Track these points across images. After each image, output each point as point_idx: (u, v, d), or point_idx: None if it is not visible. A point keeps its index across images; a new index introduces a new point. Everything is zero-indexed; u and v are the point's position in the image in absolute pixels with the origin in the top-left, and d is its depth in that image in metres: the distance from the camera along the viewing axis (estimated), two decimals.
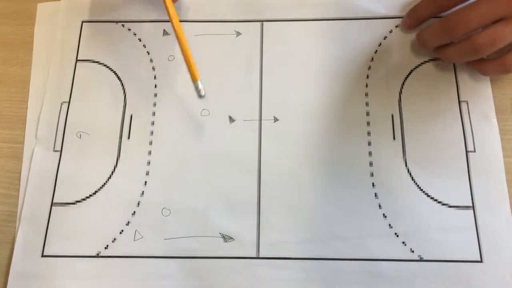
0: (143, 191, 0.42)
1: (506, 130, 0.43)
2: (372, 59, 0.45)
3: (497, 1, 0.37)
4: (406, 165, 0.42)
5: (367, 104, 0.44)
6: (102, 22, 0.48)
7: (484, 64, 0.41)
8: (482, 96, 0.43)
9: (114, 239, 0.41)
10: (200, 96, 0.42)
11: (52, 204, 0.42)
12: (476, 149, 0.42)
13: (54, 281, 0.40)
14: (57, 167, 0.43)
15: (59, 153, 0.43)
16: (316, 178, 0.42)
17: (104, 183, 0.42)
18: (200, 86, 0.42)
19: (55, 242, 0.41)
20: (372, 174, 0.42)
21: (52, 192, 0.42)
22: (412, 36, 0.46)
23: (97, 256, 0.40)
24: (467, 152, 0.42)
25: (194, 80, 0.42)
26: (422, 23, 0.45)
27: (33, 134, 0.44)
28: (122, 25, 0.48)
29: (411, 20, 0.45)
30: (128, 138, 0.44)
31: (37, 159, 0.43)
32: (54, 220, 0.41)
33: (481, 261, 0.39)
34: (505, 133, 0.42)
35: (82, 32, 0.47)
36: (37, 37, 0.48)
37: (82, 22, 0.48)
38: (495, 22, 0.37)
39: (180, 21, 0.46)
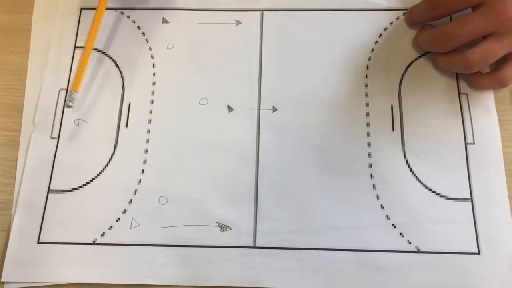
0: (140, 179, 0.42)
1: (504, 121, 0.43)
2: (373, 50, 0.45)
3: (488, 18, 0.37)
4: (405, 157, 0.42)
5: (366, 95, 0.44)
6: None
7: (480, 79, 0.42)
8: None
9: (111, 226, 0.41)
10: (68, 106, 0.42)
11: (48, 191, 0.41)
12: (475, 141, 0.42)
13: (50, 268, 0.39)
14: (54, 155, 0.43)
15: (56, 140, 0.43)
16: (314, 168, 0.42)
17: (101, 171, 0.42)
18: (74, 95, 0.42)
19: (51, 229, 0.40)
20: (370, 165, 0.41)
21: (49, 179, 0.42)
22: (411, 28, 0.45)
23: (94, 243, 0.40)
24: (466, 144, 0.42)
25: (72, 88, 0.42)
26: (418, 24, 0.45)
27: (30, 121, 0.44)
28: (121, 12, 0.47)
29: (408, 21, 0.45)
30: (126, 126, 0.43)
31: (34, 146, 0.43)
32: (51, 207, 0.41)
33: (478, 253, 0.39)
34: (504, 123, 0.42)
35: (80, 19, 0.47)
36: (35, 24, 0.47)
37: (81, 9, 0.47)
38: (485, 36, 0.38)
39: (181, 9, 0.47)
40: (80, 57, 0.43)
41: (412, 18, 0.45)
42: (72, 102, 0.42)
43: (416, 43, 0.44)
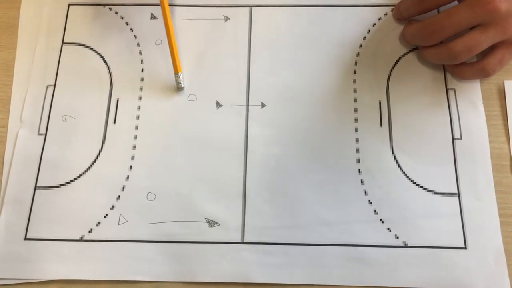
0: (128, 175, 0.42)
1: (491, 116, 0.43)
2: (361, 46, 0.45)
3: (473, 9, 0.38)
4: (392, 152, 0.42)
5: (354, 90, 0.44)
6: (89, 5, 0.47)
7: (463, 69, 0.42)
8: (469, 84, 0.43)
9: (98, 223, 0.40)
10: (179, 88, 0.43)
11: (35, 187, 0.41)
12: (462, 136, 0.42)
13: (37, 264, 0.39)
14: (42, 151, 0.42)
15: (43, 136, 0.43)
16: (302, 164, 0.42)
17: (89, 167, 0.42)
18: (181, 78, 0.43)
19: (39, 226, 0.40)
20: (358, 161, 0.42)
21: (36, 175, 0.42)
22: (400, 24, 0.46)
23: (81, 239, 0.40)
24: (453, 139, 0.42)
25: (175, 71, 0.43)
26: (406, 20, 0.45)
27: (17, 117, 0.44)
28: (109, 8, 0.47)
29: (395, 16, 0.46)
30: (114, 122, 0.43)
31: (21, 142, 0.43)
32: (38, 203, 0.41)
33: (465, 248, 0.39)
34: (491, 118, 0.43)
35: (68, 15, 0.47)
36: (23, 20, 0.47)
37: (69, 4, 0.47)
38: (471, 28, 0.39)
39: (170, 5, 0.46)
40: (168, 40, 0.44)
41: (399, 12, 0.45)
42: (182, 84, 0.43)
43: (403, 38, 0.44)
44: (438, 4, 0.41)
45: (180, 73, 0.43)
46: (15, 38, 0.46)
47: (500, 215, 0.40)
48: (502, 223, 0.40)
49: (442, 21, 0.39)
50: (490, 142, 0.42)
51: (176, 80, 0.43)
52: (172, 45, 0.43)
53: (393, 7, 0.46)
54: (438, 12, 0.43)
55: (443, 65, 0.44)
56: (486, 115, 0.43)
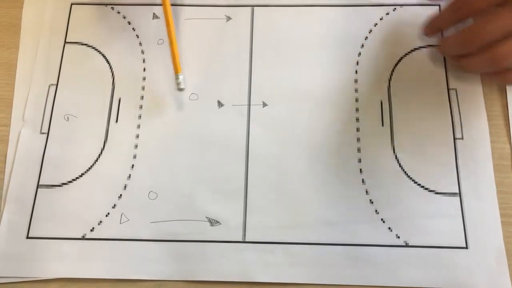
0: (130, 175, 0.42)
1: (493, 116, 0.43)
2: (363, 45, 0.45)
3: None
4: (394, 152, 0.42)
5: (356, 90, 0.44)
6: (91, 4, 0.47)
7: (470, 59, 0.40)
8: (471, 84, 0.43)
9: (100, 221, 0.40)
10: (179, 89, 0.43)
11: (38, 186, 0.41)
12: (464, 136, 0.42)
13: (39, 263, 0.39)
14: (44, 150, 0.43)
15: (46, 135, 0.43)
16: (303, 163, 0.42)
17: (91, 166, 0.42)
18: (181, 79, 0.43)
19: (41, 224, 0.40)
20: (359, 160, 0.42)
21: (38, 174, 0.42)
22: (402, 23, 0.46)
23: (83, 238, 0.40)
24: (455, 139, 0.42)
25: (176, 72, 0.43)
26: (441, 32, 0.44)
27: (19, 116, 0.44)
28: (112, 7, 0.47)
29: (432, 30, 0.44)
30: (116, 121, 0.43)
31: (23, 141, 0.43)
32: (40, 202, 0.41)
33: (466, 248, 0.39)
34: (492, 118, 0.43)
35: (71, 14, 0.47)
36: (25, 19, 0.47)
37: (71, 4, 0.47)
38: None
39: (172, 4, 0.46)
40: (169, 40, 0.43)
41: (437, 24, 0.43)
42: (182, 85, 0.43)
43: (440, 51, 0.43)
44: (478, 10, 0.38)
45: (180, 74, 0.43)
46: (18, 38, 0.46)
47: (502, 215, 0.40)
48: (503, 223, 0.40)
49: (484, 26, 0.37)
50: (492, 142, 0.42)
51: (176, 81, 0.43)
52: (173, 46, 0.43)
53: (395, 7, 0.46)
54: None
55: (445, 64, 0.44)
56: (488, 115, 0.42)
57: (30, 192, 0.41)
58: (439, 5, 0.46)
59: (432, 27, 0.43)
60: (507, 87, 0.43)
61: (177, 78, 0.43)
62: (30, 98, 0.44)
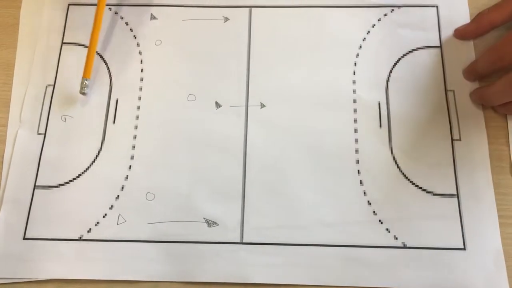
0: (127, 175, 0.42)
1: (491, 117, 0.43)
2: (360, 46, 0.45)
3: None
4: (392, 153, 0.42)
5: (354, 91, 0.44)
6: (88, 5, 0.47)
7: (491, 88, 0.40)
8: (468, 85, 0.43)
9: (97, 222, 0.40)
10: (82, 93, 0.43)
11: (35, 187, 0.41)
12: (461, 137, 0.42)
13: (36, 264, 0.39)
14: (41, 150, 0.42)
15: (43, 136, 0.43)
16: (301, 164, 0.42)
17: (88, 167, 0.42)
18: (86, 83, 0.43)
19: (37, 225, 0.40)
20: (357, 161, 0.42)
21: (35, 175, 0.42)
22: (399, 24, 0.46)
23: (80, 239, 0.40)
24: (452, 140, 0.42)
25: (84, 76, 0.43)
26: (483, 78, 0.43)
27: (17, 117, 0.44)
28: (109, 8, 0.47)
29: (472, 76, 0.43)
30: (114, 122, 0.43)
31: (20, 141, 0.43)
32: (37, 203, 0.41)
33: (464, 249, 0.39)
34: (490, 120, 0.43)
35: (68, 15, 0.47)
36: (23, 19, 0.47)
37: (69, 4, 0.47)
38: None
39: (169, 5, 0.47)
40: (89, 47, 0.44)
41: (476, 73, 0.43)
42: (85, 89, 0.43)
43: (481, 100, 0.42)
44: None
45: (87, 79, 0.43)
46: (16, 37, 0.46)
47: (500, 217, 0.40)
48: (501, 225, 0.40)
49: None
50: (490, 143, 0.42)
51: (81, 84, 0.43)
52: (92, 49, 0.43)
53: (392, 8, 0.46)
54: None
55: (443, 66, 0.44)
56: (486, 117, 0.42)
57: (27, 192, 0.41)
58: (436, 6, 0.46)
59: (472, 74, 0.43)
60: None
61: (82, 81, 0.43)
62: (27, 99, 0.44)
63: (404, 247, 0.39)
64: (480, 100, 0.42)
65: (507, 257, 0.39)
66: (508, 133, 0.42)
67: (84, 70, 0.43)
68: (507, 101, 0.39)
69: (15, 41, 0.46)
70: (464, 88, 0.43)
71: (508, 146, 0.42)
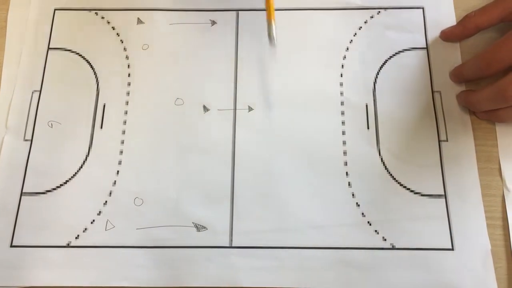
0: (115, 181, 0.41)
1: (479, 119, 0.43)
2: (348, 48, 0.45)
3: None
4: (379, 154, 0.42)
5: (341, 93, 0.44)
6: (75, 10, 0.47)
7: (477, 94, 0.40)
8: (455, 87, 0.44)
9: (85, 229, 0.40)
10: (270, 41, 0.40)
11: (21, 193, 0.41)
12: (448, 138, 0.42)
13: (24, 271, 0.39)
14: (28, 157, 0.42)
15: (29, 142, 0.43)
16: (290, 167, 0.42)
17: (76, 173, 0.42)
18: (274, 29, 0.39)
19: (25, 233, 0.40)
20: (346, 163, 0.42)
21: (22, 181, 0.41)
22: (386, 26, 0.46)
23: (68, 246, 0.40)
24: (439, 141, 0.42)
25: (269, 18, 0.40)
26: (469, 82, 0.44)
27: (3, 123, 0.43)
28: (96, 13, 0.47)
29: (458, 80, 0.44)
30: (101, 127, 0.43)
31: (7, 148, 0.42)
32: (24, 210, 0.41)
33: (452, 249, 0.39)
34: (480, 121, 0.43)
35: (54, 20, 0.47)
36: (10, 24, 0.47)
37: (55, 9, 0.47)
38: None
39: (156, 9, 0.47)
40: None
41: (462, 77, 0.43)
42: (273, 35, 0.40)
43: (456, 75, 0.43)
44: (508, 64, 0.38)
45: (272, 20, 0.40)
46: (4, 40, 0.46)
47: (488, 218, 0.40)
48: (490, 226, 0.40)
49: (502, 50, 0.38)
50: (480, 145, 0.42)
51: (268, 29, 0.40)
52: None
53: (379, 10, 0.46)
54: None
55: (429, 67, 0.44)
56: (475, 118, 0.43)
57: (13, 199, 0.41)
58: (422, 8, 0.46)
59: (457, 77, 0.43)
60: None
61: (269, 27, 0.40)
62: (13, 105, 0.44)
63: (393, 248, 0.39)
64: (465, 104, 0.42)
65: (497, 258, 0.39)
66: (498, 134, 0.42)
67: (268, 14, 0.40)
68: (492, 108, 0.40)
69: (3, 44, 0.46)
70: (450, 89, 0.44)
71: (497, 147, 0.42)
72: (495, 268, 0.39)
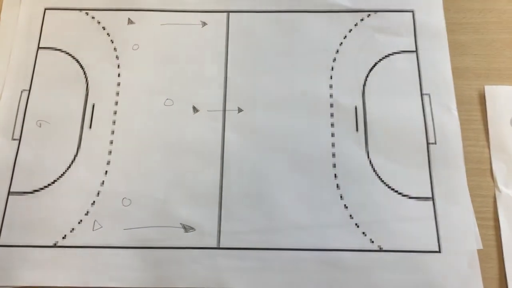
0: (103, 181, 0.41)
1: (472, 120, 0.43)
2: (337, 51, 0.45)
3: None
4: (368, 157, 0.42)
5: (331, 95, 0.44)
6: (65, 9, 0.47)
7: None
8: (444, 89, 0.44)
9: (73, 229, 0.40)
10: None
11: (9, 193, 0.41)
12: (437, 141, 0.42)
13: (11, 271, 0.39)
14: (15, 156, 0.42)
15: (17, 141, 0.42)
16: (278, 169, 0.42)
17: (63, 173, 0.41)
18: None
19: (12, 232, 0.40)
20: (334, 165, 0.42)
21: (10, 181, 0.41)
22: (376, 29, 0.46)
23: (55, 246, 0.39)
24: (428, 143, 0.42)
25: None
26: None
27: None
28: (86, 13, 0.47)
29: None
30: (90, 127, 0.43)
31: None
32: (11, 209, 0.40)
33: (439, 252, 0.39)
34: (471, 123, 0.43)
35: (44, 19, 0.47)
36: (1, 23, 0.46)
37: (45, 9, 0.47)
38: None
39: (147, 10, 0.47)
40: None
41: None
42: None
43: None
44: None
45: None
46: None
47: (479, 219, 0.40)
48: (481, 226, 0.40)
49: None
50: (471, 146, 0.42)
51: None
52: None
53: (369, 13, 0.46)
54: None
55: (418, 70, 0.44)
56: (467, 120, 0.43)
57: (1, 199, 0.41)
58: (412, 11, 0.46)
59: None
60: (486, 93, 0.44)
61: None
62: (1, 103, 0.44)
63: (380, 250, 0.39)
64: None
65: (488, 258, 0.39)
66: (488, 136, 0.43)
67: None
68: None
69: None
70: (439, 92, 0.44)
71: (489, 148, 0.42)
72: (487, 268, 0.39)
